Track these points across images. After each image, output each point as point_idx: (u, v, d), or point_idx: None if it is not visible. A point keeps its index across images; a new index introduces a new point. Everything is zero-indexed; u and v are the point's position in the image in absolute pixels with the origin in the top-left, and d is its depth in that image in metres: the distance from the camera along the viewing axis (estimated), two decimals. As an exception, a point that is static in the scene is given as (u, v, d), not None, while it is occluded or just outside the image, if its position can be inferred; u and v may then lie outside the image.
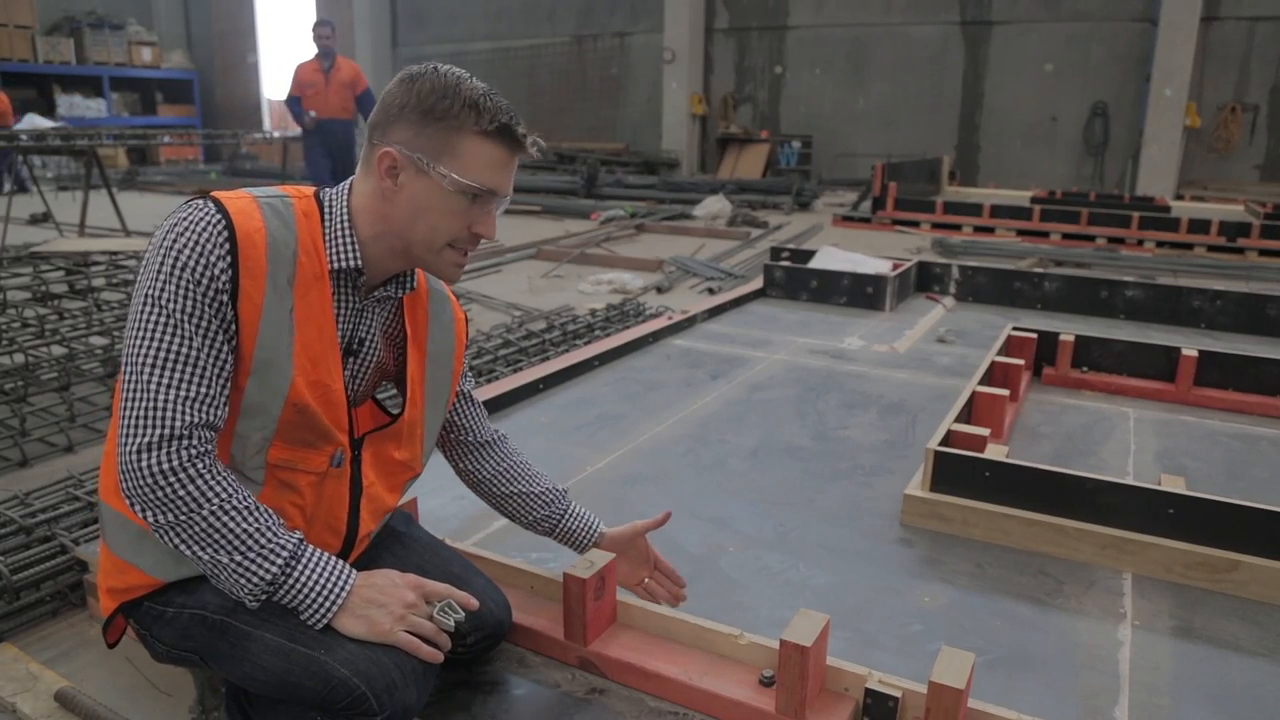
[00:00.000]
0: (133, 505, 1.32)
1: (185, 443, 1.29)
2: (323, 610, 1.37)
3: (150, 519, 1.31)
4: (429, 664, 1.43)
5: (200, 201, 1.36)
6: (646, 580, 1.90)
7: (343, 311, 1.51)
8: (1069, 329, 3.82)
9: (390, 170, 1.41)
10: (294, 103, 9.02)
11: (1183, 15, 12.45)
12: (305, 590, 1.36)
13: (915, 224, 9.69)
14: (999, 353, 3.46)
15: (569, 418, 3.14)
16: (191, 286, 1.31)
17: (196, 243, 1.31)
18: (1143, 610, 2.04)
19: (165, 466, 1.28)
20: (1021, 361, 3.38)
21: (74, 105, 17.46)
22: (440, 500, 2.40)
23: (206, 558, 1.32)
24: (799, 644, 1.51)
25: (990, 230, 9.24)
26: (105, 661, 2.09)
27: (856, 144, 15.54)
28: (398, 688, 1.38)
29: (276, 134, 12.92)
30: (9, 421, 3.54)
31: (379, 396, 1.76)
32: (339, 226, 1.46)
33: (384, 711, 1.37)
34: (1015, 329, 3.77)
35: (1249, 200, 10.80)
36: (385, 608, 1.39)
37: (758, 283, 5.38)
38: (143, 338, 1.31)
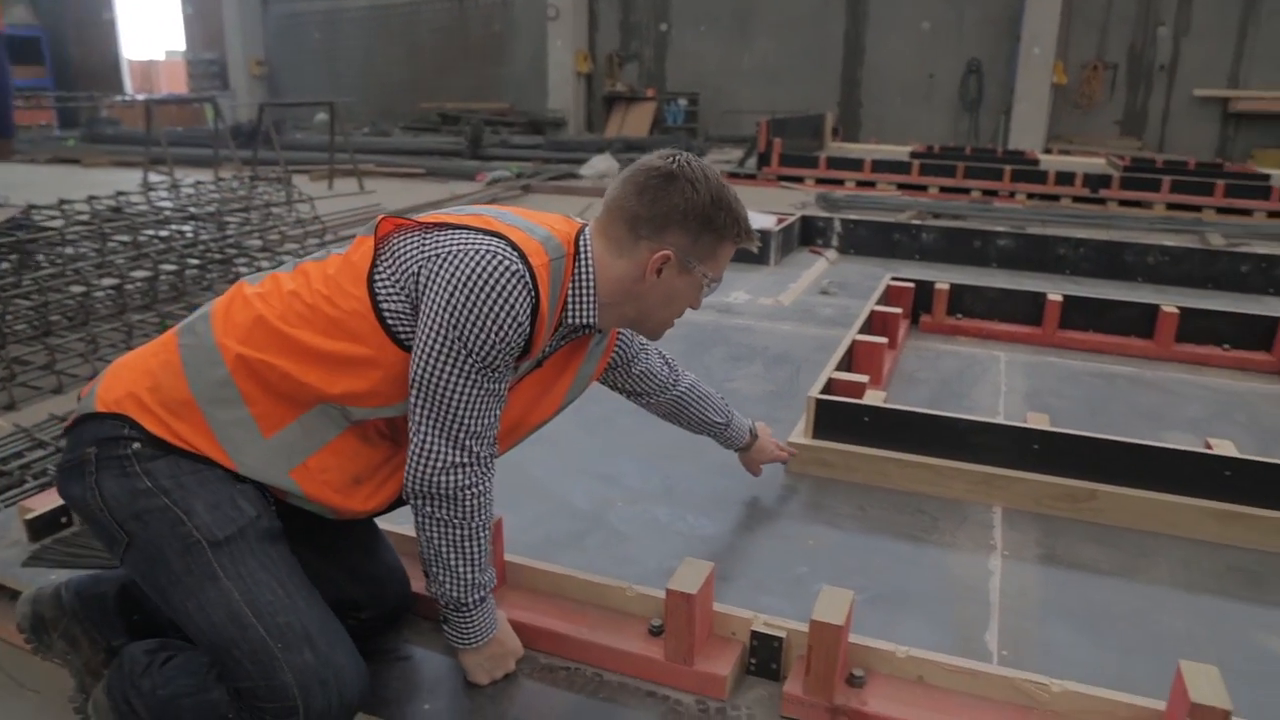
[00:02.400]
0: (414, 499, 1.47)
1: (479, 460, 1.47)
2: (462, 645, 1.56)
3: (422, 506, 1.47)
4: (365, 699, 1.45)
5: (524, 270, 1.41)
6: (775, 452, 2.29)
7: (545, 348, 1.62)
8: (945, 278, 3.95)
9: (659, 268, 1.54)
10: None
11: (1049, -24, 12.89)
12: (472, 627, 1.54)
13: (799, 179, 9.83)
14: (878, 302, 3.56)
15: (456, 381, 3.09)
16: (500, 347, 1.41)
17: (515, 315, 1.40)
18: (1011, 541, 2.14)
19: (460, 486, 1.45)
20: (900, 310, 3.48)
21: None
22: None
23: (458, 561, 1.49)
24: (685, 592, 1.53)
25: (872, 185, 9.45)
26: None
27: (742, 101, 15.63)
28: (331, 713, 1.37)
29: (140, 96, 12.21)
30: None
31: None
32: (586, 289, 1.55)
33: None
34: (894, 279, 3.88)
35: (1109, 153, 11.34)
36: (492, 666, 1.59)
37: (645, 241, 5.37)
38: (452, 376, 1.41)
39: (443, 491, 1.45)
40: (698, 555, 1.66)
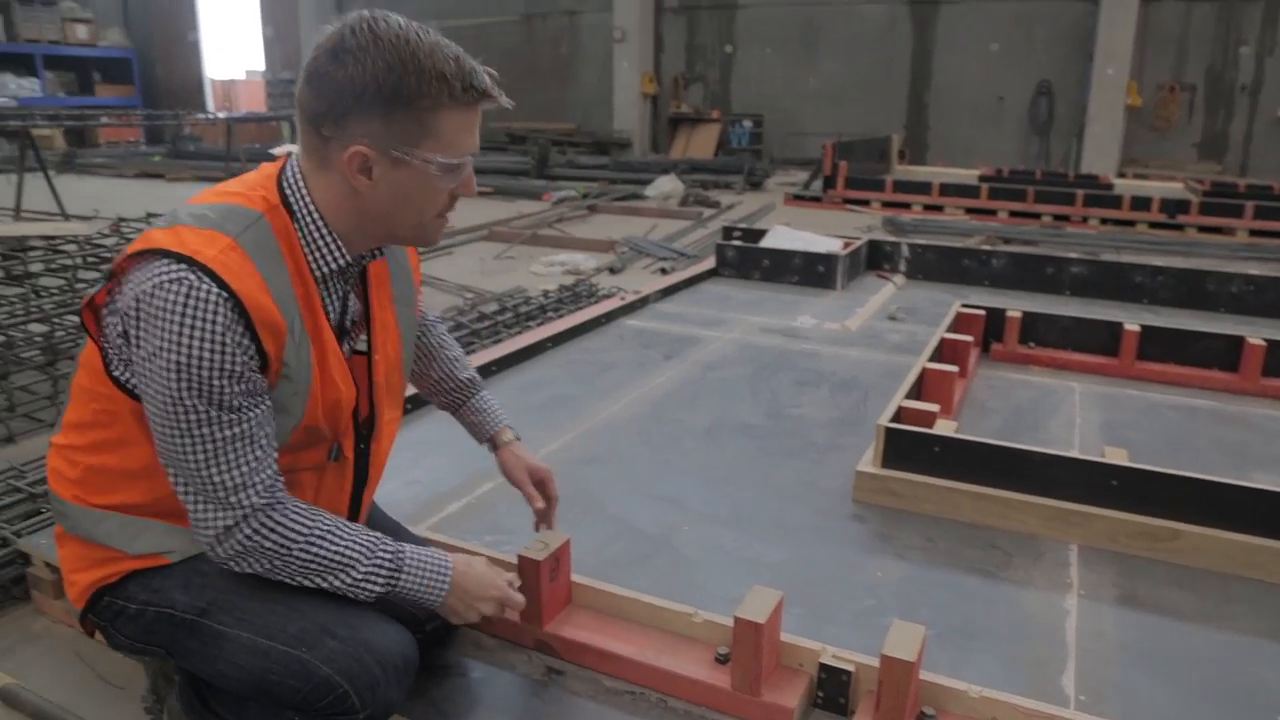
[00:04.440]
0: (227, 565, 1.34)
1: (253, 512, 1.31)
2: (435, 599, 1.45)
3: (249, 568, 1.34)
4: (410, 661, 1.44)
5: (193, 278, 1.20)
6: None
7: (330, 305, 1.44)
8: (1016, 305, 3.88)
9: (363, 169, 1.30)
10: None
11: (1124, -5, 12.65)
12: (419, 579, 1.42)
13: (865, 202, 9.76)
14: (948, 329, 3.50)
15: (522, 400, 3.13)
16: (217, 380, 1.23)
17: (209, 336, 1.21)
18: (1088, 580, 2.08)
19: (245, 542, 1.31)
20: (970, 338, 3.42)
21: (4, 85, 16.86)
22: (393, 485, 2.37)
23: (321, 583, 1.37)
24: (753, 620, 1.52)
25: (939, 208, 9.35)
26: (50, 657, 2.04)
27: (807, 123, 15.58)
28: (380, 685, 1.38)
29: (221, 114, 12.61)
30: (-57, 412, 3.42)
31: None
32: (316, 231, 1.36)
33: (365, 710, 1.37)
34: (964, 306, 3.81)
35: (1188, 178, 11.04)
36: (470, 602, 1.48)
37: (710, 262, 5.38)
38: (183, 438, 1.26)
39: (239, 552, 1.32)
40: (763, 582, 1.64)
